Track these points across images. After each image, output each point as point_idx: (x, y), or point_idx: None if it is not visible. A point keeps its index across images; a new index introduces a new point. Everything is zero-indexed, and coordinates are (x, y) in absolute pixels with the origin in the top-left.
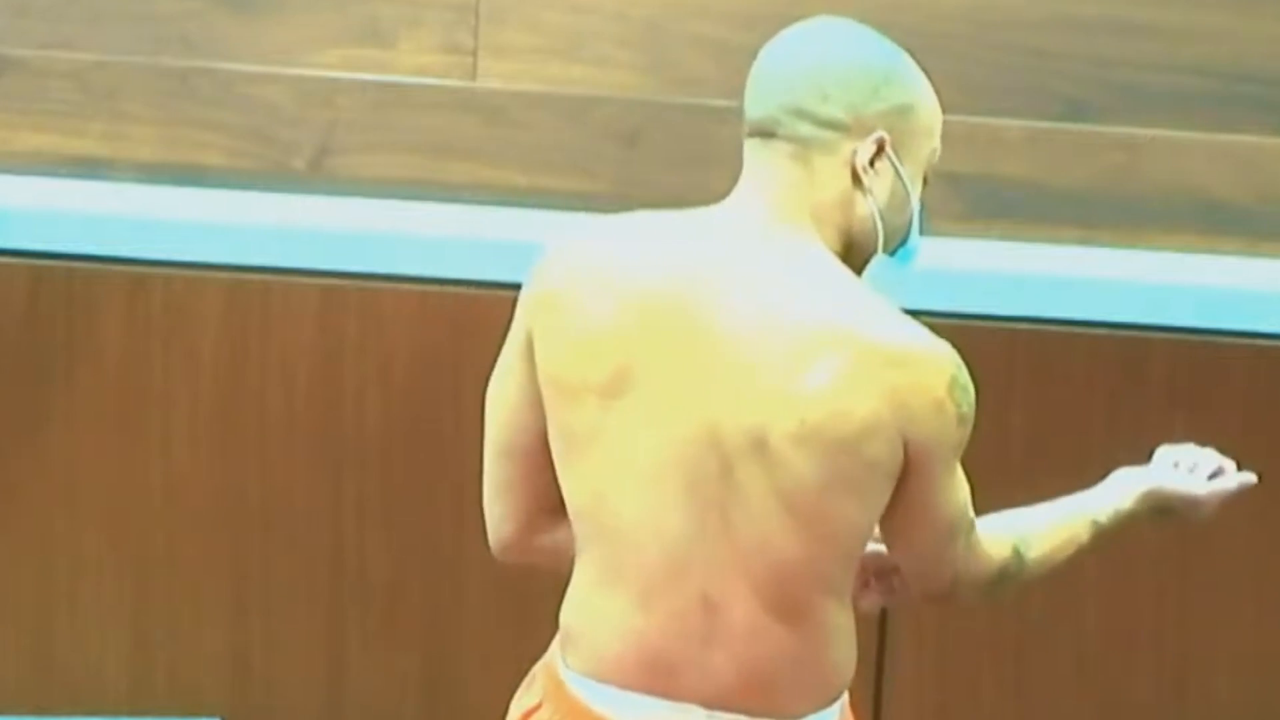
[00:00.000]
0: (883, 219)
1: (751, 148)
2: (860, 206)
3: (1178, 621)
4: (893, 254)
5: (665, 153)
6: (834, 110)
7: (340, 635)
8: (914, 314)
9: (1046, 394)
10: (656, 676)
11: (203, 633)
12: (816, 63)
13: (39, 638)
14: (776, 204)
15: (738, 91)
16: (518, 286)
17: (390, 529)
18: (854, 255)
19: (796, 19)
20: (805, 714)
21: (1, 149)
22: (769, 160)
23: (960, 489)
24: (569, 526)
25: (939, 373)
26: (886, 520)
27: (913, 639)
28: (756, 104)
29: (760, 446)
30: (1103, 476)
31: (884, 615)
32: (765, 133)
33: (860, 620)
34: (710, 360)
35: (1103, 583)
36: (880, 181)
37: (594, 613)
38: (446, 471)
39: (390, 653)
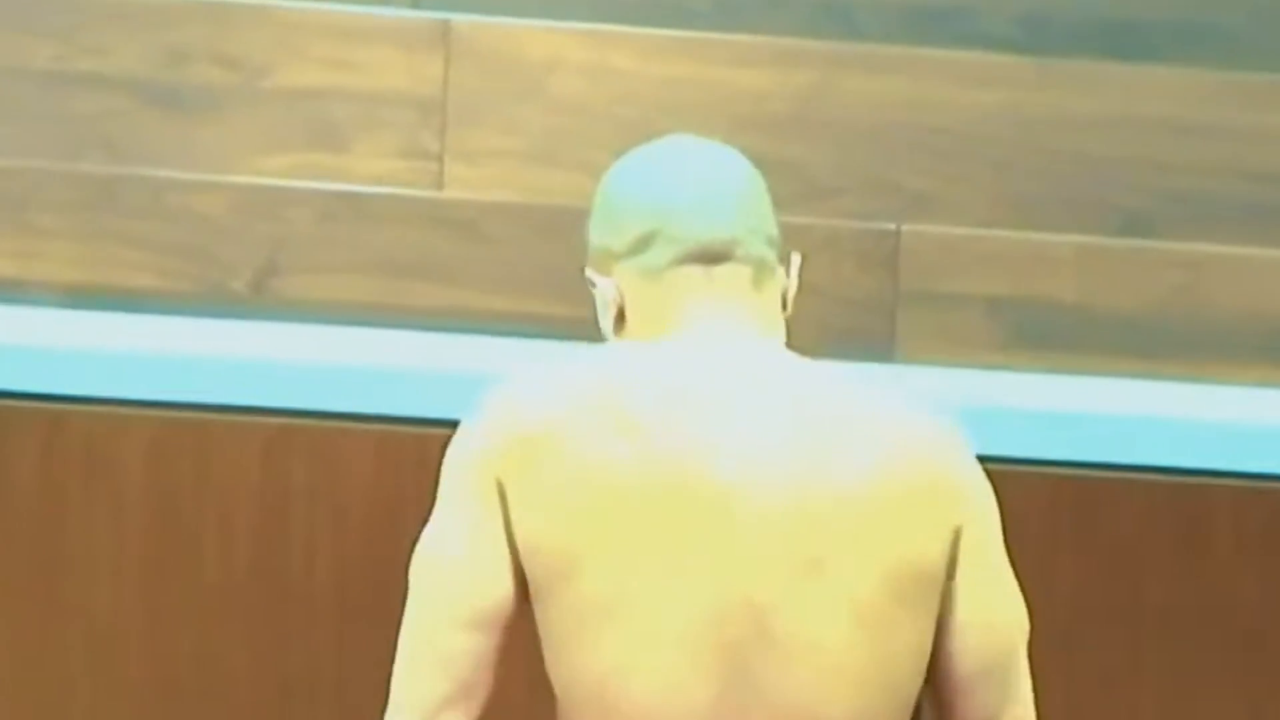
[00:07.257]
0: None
1: (688, 276)
2: (783, 322)
3: None
4: None
5: None
6: (773, 228)
7: None
8: None
9: (1097, 549)
10: None
11: None
12: (744, 180)
13: None
14: (754, 326)
15: None
16: None
17: (344, 708)
18: None
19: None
20: None
21: None
22: (726, 285)
23: (1015, 585)
24: None
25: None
26: (940, 638)
27: None
28: (707, 228)
29: (804, 594)
30: (1161, 641)
31: None
32: (716, 257)
33: None
34: (741, 509)
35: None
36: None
37: None
38: None
39: None
